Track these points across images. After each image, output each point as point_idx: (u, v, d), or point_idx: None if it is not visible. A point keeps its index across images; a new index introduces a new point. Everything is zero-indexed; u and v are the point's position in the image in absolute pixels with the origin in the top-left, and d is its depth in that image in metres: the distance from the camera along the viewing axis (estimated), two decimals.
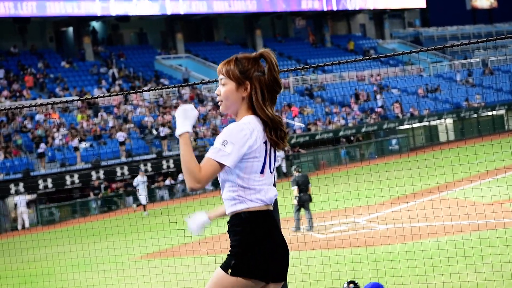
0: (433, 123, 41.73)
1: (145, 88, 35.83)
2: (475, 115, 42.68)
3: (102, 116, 33.32)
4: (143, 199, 24.67)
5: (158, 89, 5.26)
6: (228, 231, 3.54)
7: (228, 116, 35.63)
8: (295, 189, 15.10)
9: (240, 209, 3.48)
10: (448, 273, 7.46)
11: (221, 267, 3.49)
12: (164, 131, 32.07)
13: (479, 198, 11.74)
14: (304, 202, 14.97)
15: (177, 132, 3.42)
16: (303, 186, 15.10)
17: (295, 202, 15.00)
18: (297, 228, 14.78)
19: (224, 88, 3.55)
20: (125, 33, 46.45)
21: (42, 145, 28.63)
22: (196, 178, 3.31)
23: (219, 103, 3.61)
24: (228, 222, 3.54)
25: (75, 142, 29.47)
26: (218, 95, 3.59)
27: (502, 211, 10.59)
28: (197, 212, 4.00)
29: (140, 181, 24.71)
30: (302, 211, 15.29)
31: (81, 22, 41.38)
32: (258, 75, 3.53)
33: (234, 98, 3.53)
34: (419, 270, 7.93)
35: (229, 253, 3.50)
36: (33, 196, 27.00)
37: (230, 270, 3.44)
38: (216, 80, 5.41)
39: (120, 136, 30.49)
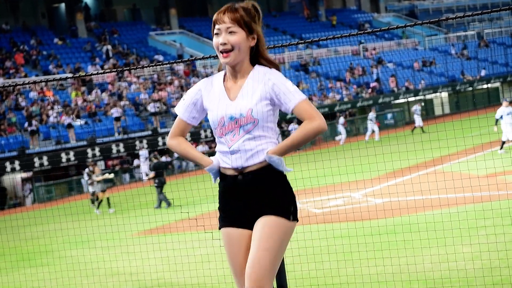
0: (428, 96, 41.72)
1: (140, 65, 35.61)
2: (470, 88, 42.66)
3: (96, 93, 33.18)
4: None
5: (153, 66, 5.23)
6: (260, 181, 3.37)
7: None
8: (151, 173, 18.17)
9: None
10: (443, 245, 7.52)
11: (278, 215, 3.36)
12: (156, 108, 31.86)
13: (474, 171, 11.80)
14: (162, 184, 17.58)
15: (285, 169, 3.40)
16: (160, 170, 18.09)
17: (155, 184, 17.67)
18: (168, 204, 17.12)
19: (234, 37, 3.32)
20: (118, 9, 46.09)
21: (34, 122, 28.42)
22: (322, 122, 3.28)
23: (223, 55, 3.33)
24: (259, 173, 3.37)
25: (68, 120, 29.28)
26: (224, 44, 3.32)
27: (496, 183, 10.66)
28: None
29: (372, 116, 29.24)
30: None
31: None
32: (260, 24, 3.47)
33: (245, 48, 3.36)
34: (415, 243, 8.00)
35: (274, 201, 3.38)
36: (29, 174, 27.00)
37: (291, 216, 3.42)
38: (211, 56, 5.35)
39: (115, 112, 30.37)
